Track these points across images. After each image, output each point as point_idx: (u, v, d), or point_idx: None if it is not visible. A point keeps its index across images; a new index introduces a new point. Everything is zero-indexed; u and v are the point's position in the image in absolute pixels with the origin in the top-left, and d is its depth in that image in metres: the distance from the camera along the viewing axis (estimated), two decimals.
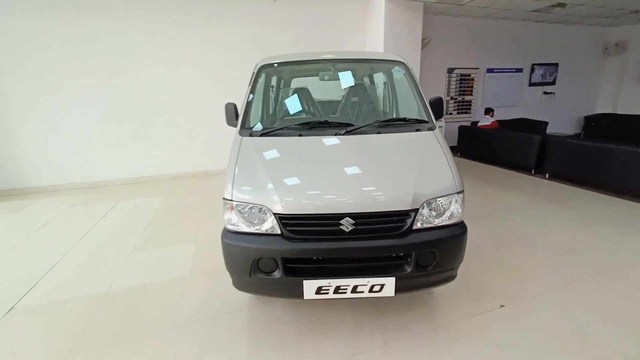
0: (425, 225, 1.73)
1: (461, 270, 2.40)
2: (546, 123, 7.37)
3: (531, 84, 8.37)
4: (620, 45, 8.62)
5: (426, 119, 2.24)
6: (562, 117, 8.80)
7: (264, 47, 5.56)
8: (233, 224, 1.77)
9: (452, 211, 1.76)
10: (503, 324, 2.01)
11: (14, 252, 3.19)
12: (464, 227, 1.80)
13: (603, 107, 9.28)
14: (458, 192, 1.77)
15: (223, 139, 5.75)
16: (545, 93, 8.57)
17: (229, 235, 1.77)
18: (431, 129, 2.15)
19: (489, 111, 6.88)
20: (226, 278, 2.48)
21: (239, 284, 1.86)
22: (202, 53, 5.43)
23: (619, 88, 9.06)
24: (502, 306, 2.17)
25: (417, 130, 2.13)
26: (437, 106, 2.34)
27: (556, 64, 8.48)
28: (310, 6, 5.74)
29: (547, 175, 5.22)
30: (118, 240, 3.38)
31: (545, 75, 8.45)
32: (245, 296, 2.33)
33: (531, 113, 8.32)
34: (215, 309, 2.22)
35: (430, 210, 1.73)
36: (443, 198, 1.74)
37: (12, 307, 2.32)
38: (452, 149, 7.25)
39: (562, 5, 6.36)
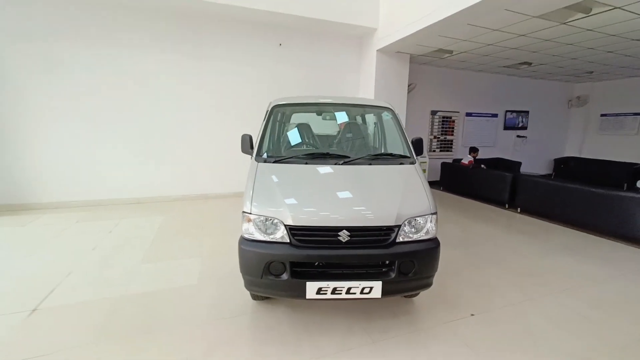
0: (406, 239, 2.14)
1: (439, 285, 2.81)
2: (520, 163, 8.13)
3: (505, 128, 9.28)
4: (581, 99, 9.76)
5: (408, 155, 2.75)
6: (534, 159, 9.66)
7: (271, 83, 6.22)
8: (249, 233, 2.14)
9: (427, 228, 2.19)
10: (472, 329, 2.38)
11: (29, 259, 3.40)
12: (437, 242, 2.23)
13: (570, 151, 10.25)
14: (432, 213, 2.22)
15: (223, 165, 6.23)
16: (518, 136, 9.48)
17: (245, 242, 2.14)
18: (412, 163, 2.64)
19: (472, 151, 7.47)
20: (231, 287, 2.82)
21: (251, 285, 2.19)
22: (213, 84, 5.97)
23: (584, 135, 10.10)
24: (472, 315, 2.54)
25: (401, 163, 2.62)
26: (417, 145, 2.86)
27: (527, 112, 9.49)
28: (312, 50, 6.48)
29: (518, 209, 5.79)
30: (126, 252, 3.63)
31: (518, 120, 9.40)
32: (248, 302, 2.63)
33: (507, 154, 9.15)
34: (222, 312, 2.51)
35: (410, 227, 2.16)
36: (420, 217, 2.18)
37: (35, 309, 2.54)
38: (435, 183, 7.92)
39: (529, 63, 7.37)
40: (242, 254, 2.12)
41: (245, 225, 2.16)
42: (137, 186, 5.83)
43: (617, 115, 9.17)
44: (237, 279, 2.56)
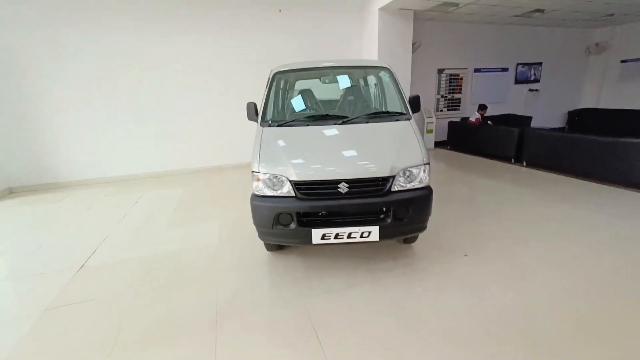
0: (401, 188, 2.35)
1: (435, 233, 3.06)
2: (530, 118, 7.99)
3: (517, 82, 8.99)
4: (600, 46, 9.22)
5: (404, 112, 2.88)
6: (547, 113, 9.41)
7: (273, 53, 6.23)
8: (259, 190, 2.40)
9: (420, 178, 2.39)
10: (464, 267, 2.64)
11: (69, 228, 3.85)
12: (430, 189, 2.43)
13: (586, 102, 9.88)
14: (425, 164, 2.40)
15: (236, 137, 6.45)
16: (530, 90, 9.18)
17: (256, 198, 2.41)
18: (407, 119, 2.78)
19: (480, 108, 7.34)
20: (248, 244, 3.15)
21: (264, 235, 2.49)
22: (217, 58, 6.07)
23: (602, 85, 9.66)
24: (465, 256, 2.80)
25: (397, 120, 2.77)
26: (414, 102, 2.97)
27: (540, 63, 9.10)
28: (312, 17, 6.38)
29: (524, 164, 5.84)
30: (153, 220, 4.02)
31: (530, 73, 9.06)
32: (265, 254, 2.97)
33: (518, 109, 8.94)
34: (243, 263, 2.85)
35: (404, 177, 2.36)
36: (414, 168, 2.37)
37: (82, 265, 2.96)
38: (443, 143, 7.93)
39: (541, 10, 6.98)
40: (254, 208, 2.40)
41: (255, 183, 2.41)
42: (156, 162, 6.20)
43: (639, 60, 8.67)
44: (253, 238, 2.89)
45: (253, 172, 2.42)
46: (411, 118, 2.79)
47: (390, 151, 2.41)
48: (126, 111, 5.83)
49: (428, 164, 2.42)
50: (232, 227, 3.67)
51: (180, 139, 6.24)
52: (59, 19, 5.15)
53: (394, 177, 2.32)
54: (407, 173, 2.36)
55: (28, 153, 5.50)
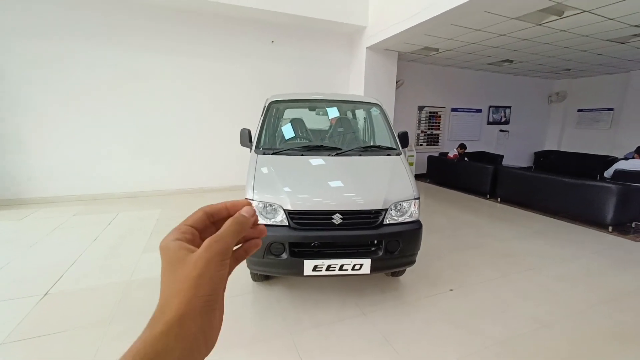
0: (392, 221, 2.40)
1: (423, 266, 3.10)
2: (502, 156, 8.54)
3: (489, 123, 9.69)
4: (560, 95, 10.25)
5: (395, 147, 3.01)
6: (516, 152, 10.12)
7: (264, 79, 6.38)
8: None
9: (411, 212, 2.46)
10: (450, 301, 2.67)
11: (34, 249, 3.53)
12: (420, 224, 2.50)
13: (550, 144, 10.76)
14: (415, 198, 2.48)
15: (220, 159, 6.38)
16: (501, 131, 9.90)
17: None
18: (398, 154, 2.90)
19: (461, 147, 7.66)
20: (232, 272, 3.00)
21: (253, 264, 2.41)
22: (206, 80, 6.09)
23: (562, 130, 10.61)
24: (451, 290, 2.84)
25: (388, 154, 2.88)
26: (403, 138, 3.12)
27: (509, 107, 9.91)
28: (304, 47, 6.67)
29: (499, 199, 6.16)
30: (128, 243, 3.79)
31: (501, 115, 9.82)
32: (249, 283, 2.86)
33: (490, 147, 9.56)
34: (225, 293, 2.72)
35: (396, 210, 2.42)
36: (405, 202, 2.44)
37: (46, 293, 2.70)
38: (422, 176, 8.25)
39: (510, 61, 7.73)
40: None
41: None
42: (133, 180, 5.93)
43: (592, 110, 9.68)
44: (237, 266, 2.77)
45: (247, 199, 2.38)
46: (401, 153, 2.92)
47: (382, 184, 2.48)
48: (105, 126, 5.59)
49: (418, 198, 2.51)
50: None
51: (160, 158, 6.05)
52: (39, 27, 5.00)
53: (386, 210, 2.38)
54: (399, 207, 2.43)
55: None
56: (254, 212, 0.40)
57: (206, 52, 5.98)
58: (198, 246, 0.36)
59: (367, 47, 6.45)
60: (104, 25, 5.30)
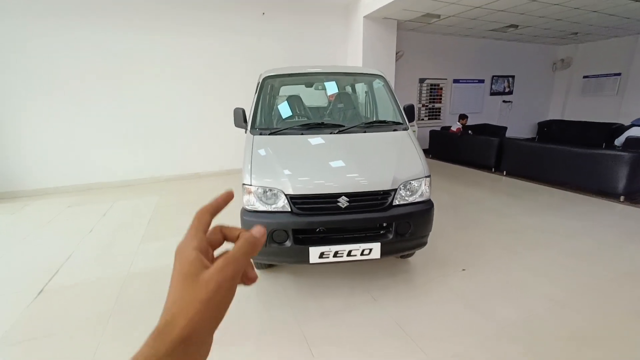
0: (402, 202, 2.25)
1: (431, 246, 2.97)
2: (505, 128, 8.31)
3: (492, 94, 9.36)
4: (565, 62, 9.85)
5: (401, 122, 2.80)
6: (519, 123, 9.86)
7: (256, 56, 6.02)
8: (251, 204, 2.20)
9: (422, 191, 2.29)
10: (462, 281, 2.57)
11: (27, 244, 3.40)
12: (431, 203, 2.34)
13: (554, 114, 10.48)
14: (426, 176, 2.31)
15: (214, 143, 6.15)
16: (504, 102, 9.59)
17: (247, 213, 2.20)
18: (405, 129, 2.70)
19: (461, 118, 7.47)
20: None
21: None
22: (198, 60, 5.75)
23: (566, 98, 10.29)
24: (463, 270, 2.73)
25: (394, 130, 2.67)
26: (409, 111, 2.90)
27: (513, 76, 9.55)
28: (297, 21, 6.26)
29: (504, 173, 6.01)
30: (125, 233, 3.65)
31: (504, 85, 9.48)
32: None
33: (493, 119, 9.30)
34: None
35: (405, 190, 2.26)
36: (415, 181, 2.27)
37: (41, 290, 2.58)
38: (424, 151, 7.99)
39: (515, 26, 7.32)
40: (245, 225, 2.18)
41: (246, 197, 2.21)
42: (127, 168, 5.73)
43: (598, 76, 9.33)
44: None
45: (244, 184, 2.21)
46: (408, 128, 2.72)
47: (390, 163, 2.30)
48: (94, 113, 5.33)
49: (429, 176, 2.34)
50: None
51: (154, 144, 5.82)
52: (27, 9, 4.64)
53: (395, 190, 2.21)
54: (409, 186, 2.26)
55: None
56: (265, 231, 0.39)
57: (193, 30, 5.60)
58: (210, 260, 0.36)
59: (364, 17, 6.05)
60: (83, 5, 4.89)
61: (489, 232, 3.52)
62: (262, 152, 2.36)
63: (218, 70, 5.93)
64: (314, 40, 6.49)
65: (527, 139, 8.17)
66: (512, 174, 5.93)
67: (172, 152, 5.97)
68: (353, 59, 6.60)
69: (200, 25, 5.63)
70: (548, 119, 10.39)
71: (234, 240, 0.38)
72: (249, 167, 2.25)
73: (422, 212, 2.26)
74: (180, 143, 5.98)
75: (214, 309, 0.33)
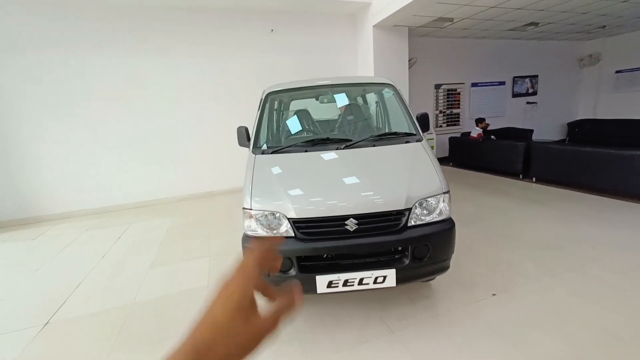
0: (419, 222, 2.01)
1: (454, 265, 2.67)
2: (531, 131, 7.80)
3: (514, 95, 8.89)
4: (594, 57, 9.24)
5: (414, 132, 2.58)
6: (546, 125, 9.27)
7: (266, 72, 6.00)
8: (252, 230, 2.04)
9: (440, 209, 2.05)
10: (493, 309, 2.26)
11: (40, 273, 3.40)
12: (452, 222, 2.09)
13: (584, 113, 9.80)
14: (444, 192, 2.07)
15: (227, 161, 6.13)
16: (528, 103, 9.08)
17: (248, 240, 2.04)
18: (418, 140, 2.47)
19: (479, 122, 7.10)
20: None
21: None
22: (208, 79, 5.81)
23: (597, 95, 9.61)
24: (494, 295, 2.42)
25: (407, 142, 2.46)
26: (423, 120, 2.68)
27: (536, 76, 9.04)
28: (305, 34, 6.23)
29: (533, 179, 5.56)
30: (136, 258, 3.60)
31: (527, 86, 8.98)
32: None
33: (517, 122, 8.79)
34: None
35: (421, 209, 2.02)
36: (432, 198, 2.03)
37: (46, 323, 2.52)
38: (444, 159, 7.67)
39: (535, 24, 6.94)
40: (245, 251, 2.02)
41: (247, 222, 2.06)
42: (143, 190, 5.80)
43: (633, 70, 8.65)
44: None
45: (244, 208, 2.07)
46: (422, 139, 2.49)
47: (403, 179, 2.08)
48: (111, 136, 5.47)
49: (448, 192, 2.09)
50: (222, 264, 3.27)
51: (168, 165, 5.88)
52: (41, 40, 4.88)
53: (410, 209, 1.98)
54: (425, 204, 2.03)
55: (4, 184, 5.08)
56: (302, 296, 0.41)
57: (203, 49, 5.68)
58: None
59: (373, 26, 5.92)
60: (94, 31, 5.09)
61: (521, 248, 3.16)
62: (263, 172, 2.22)
63: (227, 89, 5.96)
64: (323, 54, 6.42)
65: (557, 142, 7.63)
66: (542, 180, 5.47)
67: (186, 172, 6.00)
68: (364, 69, 6.46)
69: (210, 44, 5.70)
70: (578, 118, 9.72)
71: (270, 297, 0.41)
72: (250, 189, 2.11)
73: (442, 233, 2.02)
74: (192, 162, 6.00)
75: (245, 351, 0.36)
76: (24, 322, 2.52)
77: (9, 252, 4.06)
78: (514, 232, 3.55)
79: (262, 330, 0.36)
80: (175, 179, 5.96)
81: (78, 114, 5.25)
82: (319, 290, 1.95)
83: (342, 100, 3.26)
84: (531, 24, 6.87)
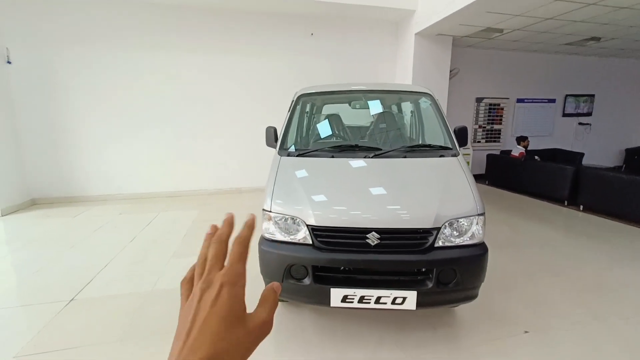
0: (447, 244, 1.85)
1: (485, 297, 2.46)
2: (582, 154, 7.15)
3: (565, 115, 8.21)
4: None
5: (450, 146, 2.41)
6: (599, 149, 8.46)
7: (303, 75, 6.04)
8: (270, 233, 1.99)
9: (473, 232, 1.87)
10: (524, 348, 2.03)
11: (74, 250, 3.61)
12: (485, 247, 1.90)
13: None
14: (479, 215, 1.89)
15: (256, 158, 6.21)
16: (580, 124, 8.35)
17: (265, 242, 1.99)
18: (455, 155, 2.30)
19: (521, 140, 6.65)
20: (256, 287, 2.68)
21: None
22: (244, 78, 5.96)
23: None
24: (526, 332, 2.18)
25: (441, 155, 2.30)
26: (461, 134, 2.50)
27: (592, 95, 8.30)
28: (344, 39, 6.18)
29: (581, 207, 5.05)
30: (160, 246, 3.71)
31: (581, 106, 8.27)
32: None
33: (565, 144, 8.11)
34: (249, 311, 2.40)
35: (451, 229, 1.86)
36: (464, 219, 1.86)
37: (72, 299, 2.64)
38: (480, 176, 7.24)
39: (597, 39, 6.37)
40: (262, 255, 1.98)
41: (266, 224, 2.01)
42: (175, 181, 6.05)
43: None
44: (259, 281, 2.45)
45: (264, 210, 2.02)
46: (459, 154, 2.32)
47: (433, 195, 1.93)
48: (149, 127, 5.76)
49: (483, 214, 1.91)
50: None
51: (201, 158, 6.08)
52: (88, 34, 5.27)
53: (438, 229, 1.83)
54: (456, 225, 1.86)
55: (52, 164, 5.52)
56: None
57: (243, 49, 5.83)
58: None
59: (415, 34, 5.75)
60: (137, 28, 5.42)
61: (565, 285, 2.84)
62: (287, 175, 2.17)
63: (265, 89, 6.05)
64: (362, 59, 6.34)
65: (612, 168, 6.91)
66: (591, 209, 4.96)
67: (216, 168, 6.17)
68: (402, 78, 6.28)
69: (250, 44, 5.84)
70: (639, 145, 8.77)
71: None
72: (271, 191, 2.06)
73: (472, 259, 1.84)
74: (224, 159, 6.16)
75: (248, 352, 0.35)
76: (52, 296, 2.66)
77: (52, 227, 4.37)
78: (557, 266, 3.20)
79: (259, 329, 0.36)
80: (205, 173, 6.15)
81: (122, 105, 5.59)
82: (332, 304, 1.85)
83: (375, 107, 3.15)
84: (592, 38, 6.31)
